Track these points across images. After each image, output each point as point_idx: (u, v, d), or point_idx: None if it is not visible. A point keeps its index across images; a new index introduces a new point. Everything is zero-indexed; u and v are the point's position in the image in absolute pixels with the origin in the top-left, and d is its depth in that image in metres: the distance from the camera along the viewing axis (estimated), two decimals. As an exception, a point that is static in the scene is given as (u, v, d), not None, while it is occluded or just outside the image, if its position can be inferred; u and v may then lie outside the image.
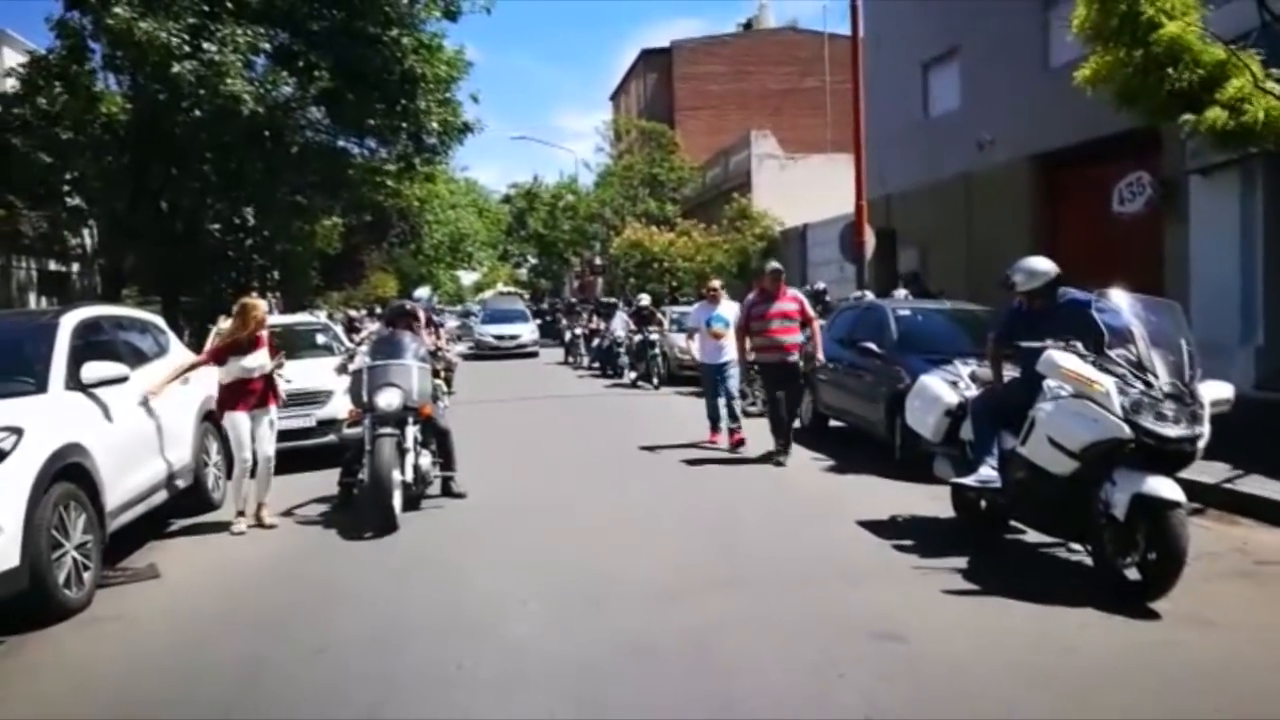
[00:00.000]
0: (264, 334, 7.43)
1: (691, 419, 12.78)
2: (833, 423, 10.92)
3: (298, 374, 9.81)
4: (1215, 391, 5.10)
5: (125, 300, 15.78)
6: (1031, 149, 15.78)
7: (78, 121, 14.55)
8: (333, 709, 4.01)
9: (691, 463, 9.54)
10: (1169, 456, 4.86)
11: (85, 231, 20.74)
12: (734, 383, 10.29)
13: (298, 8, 14.60)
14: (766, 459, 9.32)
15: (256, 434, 7.28)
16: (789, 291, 9.57)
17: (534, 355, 27.77)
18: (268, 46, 14.09)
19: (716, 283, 11.32)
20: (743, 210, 29.88)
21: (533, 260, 59.77)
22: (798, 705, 3.88)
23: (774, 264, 10.06)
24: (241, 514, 7.25)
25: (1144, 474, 4.78)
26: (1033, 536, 6.06)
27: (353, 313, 25.53)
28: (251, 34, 13.71)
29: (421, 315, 8.93)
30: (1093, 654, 4.31)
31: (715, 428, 10.51)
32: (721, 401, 10.31)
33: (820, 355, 9.57)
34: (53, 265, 21.27)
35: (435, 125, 16.64)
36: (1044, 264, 5.92)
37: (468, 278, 77.59)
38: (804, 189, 28.18)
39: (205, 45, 13.23)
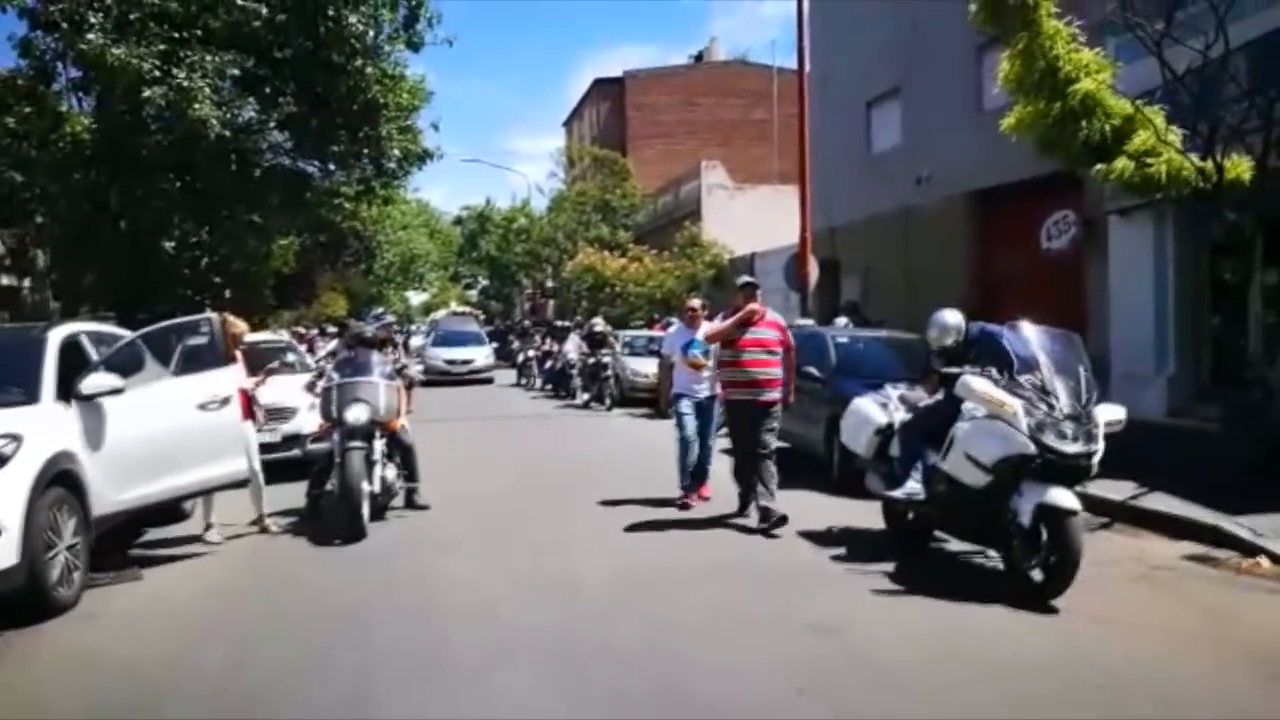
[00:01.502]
0: (238, 351, 7.81)
1: (643, 438, 13.34)
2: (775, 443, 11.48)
3: (264, 391, 10.18)
4: (1109, 413, 5.75)
5: (81, 317, 15.88)
6: (967, 186, 16.66)
7: (43, 140, 14.77)
8: (323, 686, 4.40)
9: (644, 479, 10.00)
10: (1068, 470, 5.49)
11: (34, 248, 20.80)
12: (713, 426, 8.55)
13: (265, 35, 14.99)
14: (731, 520, 7.74)
15: None
16: (767, 315, 7.95)
17: (489, 381, 26.20)
18: (236, 72, 14.44)
19: (696, 302, 9.10)
20: (693, 238, 30.66)
21: (484, 282, 60.13)
22: (744, 683, 4.39)
23: (746, 278, 8.42)
24: (211, 525, 7.58)
25: (1047, 486, 5.41)
26: (955, 545, 6.67)
27: (301, 330, 25.68)
28: (219, 60, 14.05)
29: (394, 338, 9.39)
30: (999, 643, 4.90)
31: (699, 480, 8.54)
32: (695, 449, 8.40)
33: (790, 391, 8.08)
34: (4, 280, 21.25)
35: (396, 152, 17.13)
36: (953, 318, 6.62)
37: (417, 298, 77.52)
38: (752, 218, 29.00)
39: (174, 71, 13.55)
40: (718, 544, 7.22)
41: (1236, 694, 4.29)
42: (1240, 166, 8.51)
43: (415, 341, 30.00)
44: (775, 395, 7.77)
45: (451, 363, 26.16)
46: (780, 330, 7.92)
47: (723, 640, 4.98)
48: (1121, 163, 8.81)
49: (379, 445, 7.87)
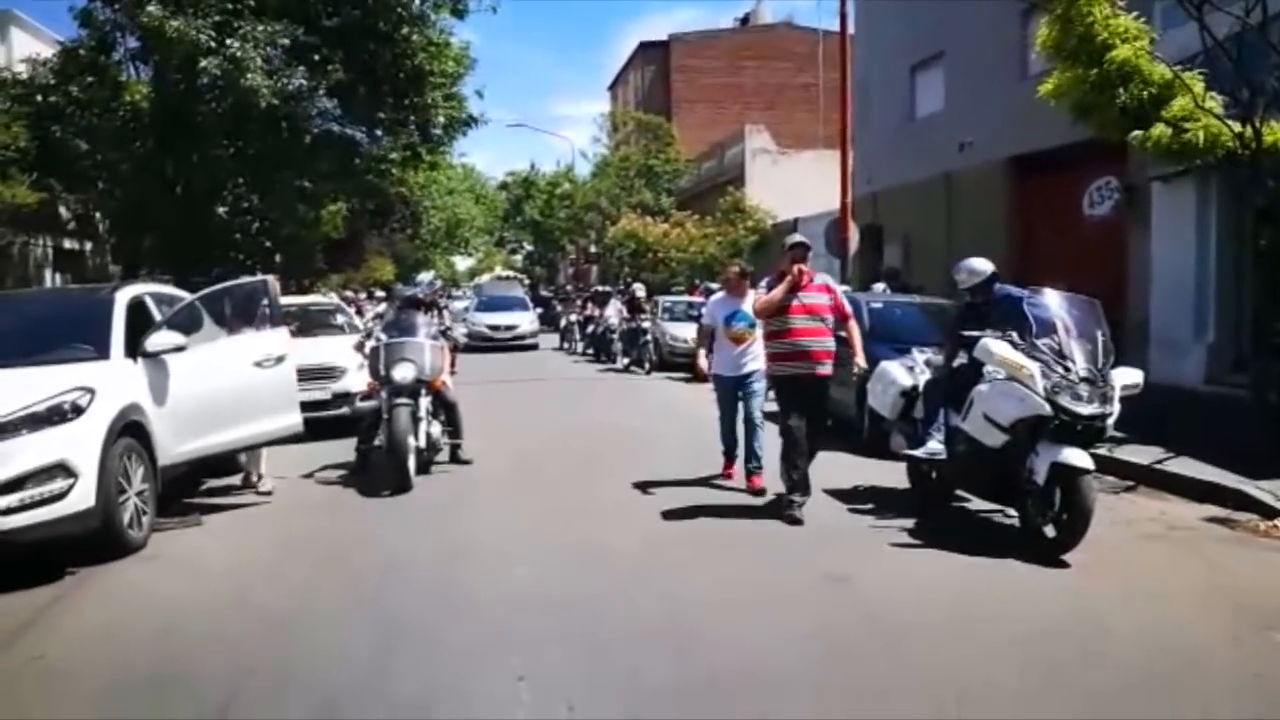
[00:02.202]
0: None
1: (680, 401, 13.64)
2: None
3: (315, 351, 10.63)
4: (1126, 377, 5.91)
5: (140, 279, 16.52)
6: (1009, 152, 16.57)
7: (104, 109, 15.32)
8: (357, 637, 4.68)
9: (679, 442, 10.27)
10: (1083, 431, 5.67)
11: (97, 213, 21.55)
12: (758, 401, 7.76)
13: (314, 4, 15.34)
14: (778, 512, 6.77)
15: None
16: (817, 278, 7.03)
17: (533, 348, 25.29)
18: (286, 41, 14.79)
19: (735, 269, 8.26)
20: (736, 203, 30.70)
21: (529, 247, 60.59)
22: (759, 627, 4.67)
23: (796, 237, 7.25)
24: (261, 476, 7.99)
25: (1061, 446, 5.59)
26: (975, 504, 6.88)
27: (349, 294, 26.22)
28: (270, 29, 14.42)
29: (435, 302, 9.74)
30: (1006, 595, 5.13)
31: (732, 458, 8.07)
32: (741, 429, 7.85)
33: (861, 359, 7.23)
34: (69, 244, 22.05)
35: (441, 118, 17.48)
36: (982, 264, 6.75)
37: (462, 263, 78.28)
38: (796, 183, 28.96)
39: (229, 41, 13.96)
40: (748, 500, 7.47)
41: (1237, 647, 4.44)
42: (1278, 133, 8.48)
43: (456, 305, 30.11)
44: (829, 369, 6.88)
45: (495, 328, 25.34)
46: (830, 293, 7.00)
47: (740, 586, 5.27)
48: (1159, 129, 8.81)
49: (424, 402, 8.25)
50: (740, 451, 7.91)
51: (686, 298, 21.63)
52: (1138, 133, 9.00)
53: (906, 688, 3.97)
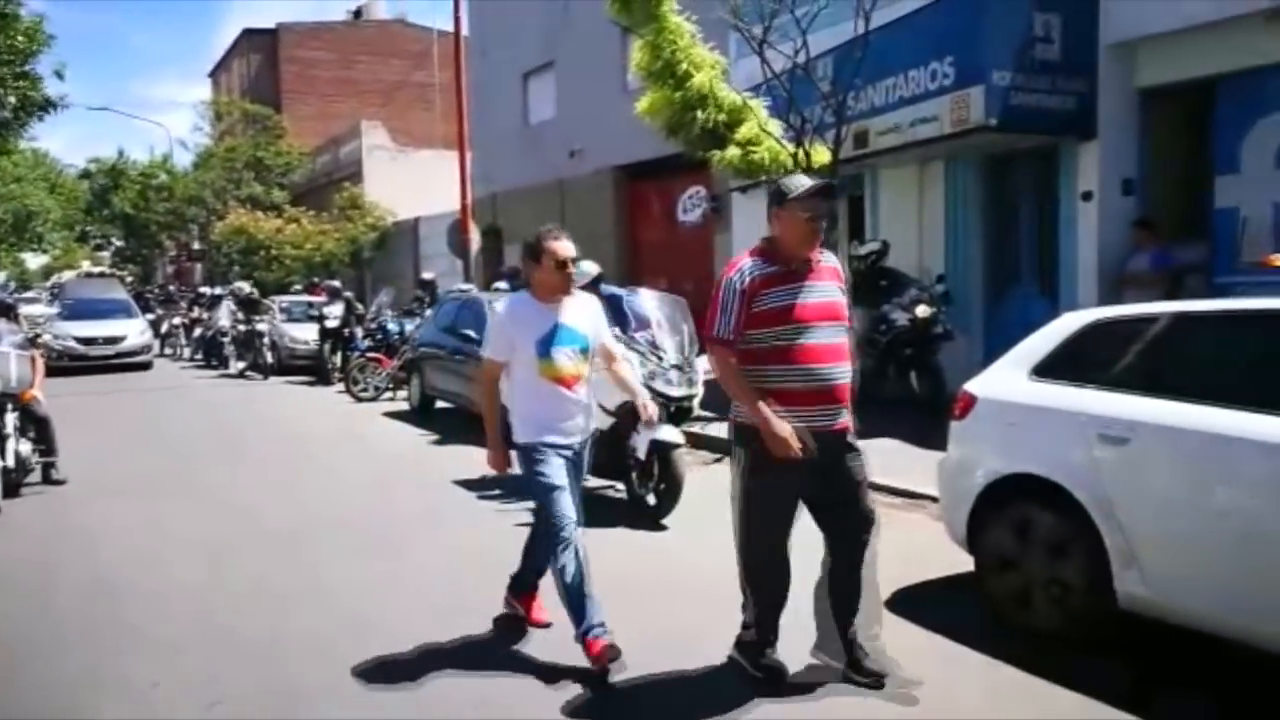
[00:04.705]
0: None
1: (300, 401, 13.32)
2: (440, 404, 12.04)
3: None
4: (708, 363, 6.88)
5: None
6: (615, 161, 17.98)
7: None
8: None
9: (294, 436, 10.12)
10: (675, 412, 6.57)
11: None
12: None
13: None
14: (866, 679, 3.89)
15: None
16: (824, 256, 3.90)
17: (147, 367, 19.74)
18: None
19: (569, 245, 4.43)
20: (354, 199, 30.11)
21: (118, 243, 54.67)
22: (378, 587, 4.98)
23: (800, 178, 3.90)
24: None
25: (658, 425, 6.40)
26: (590, 481, 7.58)
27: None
28: None
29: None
30: (613, 556, 5.82)
31: (529, 591, 4.76)
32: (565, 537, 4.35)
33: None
34: None
35: (12, 99, 15.42)
36: (589, 266, 7.48)
37: (35, 261, 68.94)
38: (416, 181, 29.04)
39: None
40: (377, 490, 7.66)
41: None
42: (822, 155, 10.15)
43: (30, 310, 25.28)
44: (849, 418, 3.85)
45: (89, 341, 19.15)
46: (842, 282, 3.96)
47: (376, 568, 5.52)
48: (731, 150, 10.20)
49: (11, 418, 7.53)
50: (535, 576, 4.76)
51: (306, 298, 20.94)
52: (715, 151, 10.34)
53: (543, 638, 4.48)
